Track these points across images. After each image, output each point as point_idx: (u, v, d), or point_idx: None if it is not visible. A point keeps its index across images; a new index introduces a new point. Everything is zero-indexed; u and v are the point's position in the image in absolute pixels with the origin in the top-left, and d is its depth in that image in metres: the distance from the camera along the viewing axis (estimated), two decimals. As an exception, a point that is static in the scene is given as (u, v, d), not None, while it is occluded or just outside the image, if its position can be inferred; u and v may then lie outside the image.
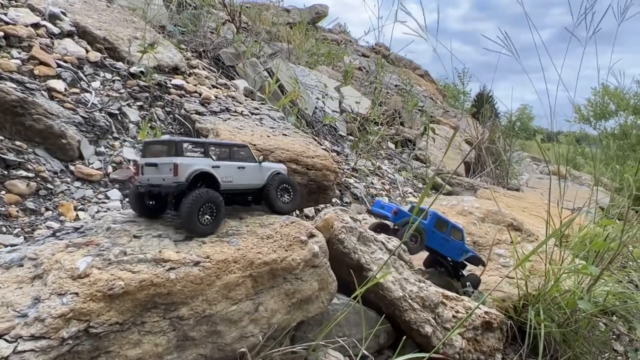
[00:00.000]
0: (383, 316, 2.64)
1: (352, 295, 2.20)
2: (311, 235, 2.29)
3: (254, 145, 3.80)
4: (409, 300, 2.66)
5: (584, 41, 3.33)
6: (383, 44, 18.38)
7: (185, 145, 2.20)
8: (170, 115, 4.49)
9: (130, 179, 3.61)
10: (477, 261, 3.64)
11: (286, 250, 2.10)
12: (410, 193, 6.79)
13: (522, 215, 5.56)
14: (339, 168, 5.99)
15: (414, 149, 8.81)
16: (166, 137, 4.00)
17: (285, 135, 4.47)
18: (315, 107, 7.95)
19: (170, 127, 4.39)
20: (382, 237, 2.89)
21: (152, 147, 2.34)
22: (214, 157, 2.27)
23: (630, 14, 3.03)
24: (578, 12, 3.35)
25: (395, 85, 12.69)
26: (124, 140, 3.99)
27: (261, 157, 2.58)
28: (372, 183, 6.42)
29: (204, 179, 2.18)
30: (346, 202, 5.65)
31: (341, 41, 16.82)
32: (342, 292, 2.70)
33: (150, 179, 2.19)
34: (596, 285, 3.25)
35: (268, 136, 4.14)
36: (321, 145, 6.96)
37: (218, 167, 2.24)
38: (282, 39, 10.46)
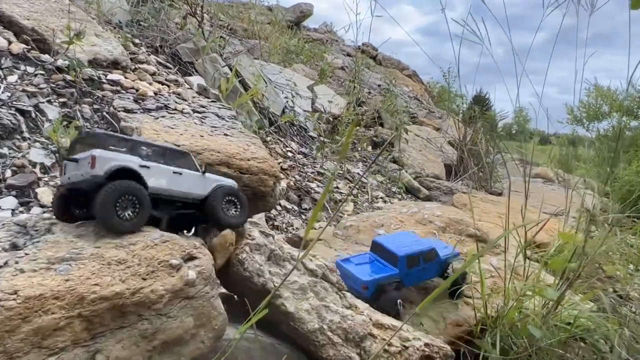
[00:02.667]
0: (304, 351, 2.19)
1: (239, 330, 1.73)
2: (190, 258, 1.83)
3: (178, 146, 3.34)
4: (328, 333, 2.20)
5: (581, 43, 2.97)
6: (370, 43, 17.95)
7: (108, 139, 2.01)
8: (98, 113, 4.03)
9: (30, 185, 3.15)
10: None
11: (143, 279, 1.64)
12: (380, 198, 6.33)
13: (497, 222, 5.11)
14: (283, 171, 5.53)
15: (390, 152, 8.35)
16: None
17: (227, 135, 4.01)
18: (285, 107, 7.50)
19: (96, 125, 3.93)
20: (302, 254, 2.43)
21: (78, 146, 2.13)
22: (143, 158, 2.08)
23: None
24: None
25: (379, 85, 12.24)
26: (35, 141, 3.52)
27: (204, 167, 2.36)
28: (338, 187, 5.96)
29: (127, 177, 1.92)
30: (305, 209, 5.19)
31: (326, 40, 16.40)
32: (256, 324, 2.24)
33: (70, 177, 2.00)
34: (565, 307, 2.80)
35: (201, 136, 3.68)
36: (287, 147, 6.51)
37: (147, 167, 2.04)
38: (259, 37, 10.03)
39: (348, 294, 2.64)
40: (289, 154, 6.32)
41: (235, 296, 2.65)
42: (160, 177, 2.07)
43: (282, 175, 5.15)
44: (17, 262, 1.55)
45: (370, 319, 2.44)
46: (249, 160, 3.53)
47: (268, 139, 6.32)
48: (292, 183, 5.48)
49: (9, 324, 1.34)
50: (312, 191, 5.42)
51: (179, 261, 1.77)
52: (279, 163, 5.73)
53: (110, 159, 1.92)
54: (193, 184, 2.21)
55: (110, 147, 1.98)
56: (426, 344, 2.42)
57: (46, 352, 1.41)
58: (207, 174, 2.35)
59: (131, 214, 1.87)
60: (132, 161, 1.99)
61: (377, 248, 3.20)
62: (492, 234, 3.97)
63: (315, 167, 6.24)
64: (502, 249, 3.81)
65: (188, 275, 1.75)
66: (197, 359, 1.84)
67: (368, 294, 2.83)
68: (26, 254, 1.61)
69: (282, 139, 6.62)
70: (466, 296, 3.17)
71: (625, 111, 19.27)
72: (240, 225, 2.27)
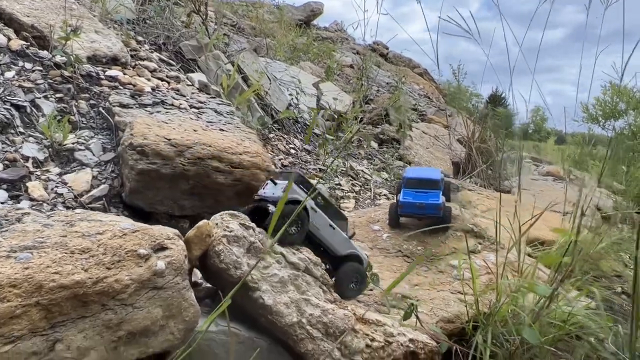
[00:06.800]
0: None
1: (208, 319, 1.70)
2: (160, 249, 1.80)
3: (169, 139, 3.32)
4: (307, 327, 2.15)
5: (599, 40, 2.89)
6: (381, 42, 17.88)
7: (299, 179, 2.72)
8: (95, 109, 4.04)
9: (21, 179, 3.16)
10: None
11: (107, 269, 1.61)
12: (384, 195, 6.26)
13: (502, 220, 5.00)
14: (284, 167, 5.50)
15: (398, 149, 8.26)
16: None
17: (222, 130, 3.99)
18: (290, 104, 7.47)
19: (92, 121, 3.94)
20: (286, 248, 2.38)
21: (281, 176, 3.01)
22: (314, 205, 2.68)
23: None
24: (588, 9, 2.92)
25: (387, 83, 12.14)
26: (29, 136, 3.54)
27: (352, 233, 3.01)
28: (340, 184, 5.90)
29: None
30: (304, 205, 5.15)
31: (337, 39, 16.33)
32: (235, 317, 2.21)
33: (266, 193, 2.74)
34: (560, 304, 2.72)
35: (195, 130, 3.65)
36: (290, 144, 6.48)
37: (315, 210, 2.65)
38: (265, 34, 10.03)
39: (333, 289, 2.61)
40: (292, 151, 6.28)
41: (221, 292, 2.63)
42: (319, 223, 2.64)
43: (277, 170, 5.12)
44: (-21, 251, 1.53)
45: (355, 314, 2.39)
46: (240, 154, 3.50)
47: (271, 135, 6.30)
48: (292, 179, 5.44)
49: (-38, 312, 1.33)
50: (317, 186, 5.37)
51: (147, 251, 1.74)
52: (280, 159, 5.70)
53: (296, 191, 2.55)
54: (338, 241, 2.74)
55: (299, 184, 2.64)
56: (411, 340, 2.36)
57: (2, 340, 1.38)
58: (352, 240, 2.89)
59: (295, 229, 2.45)
60: (308, 201, 2.57)
61: (412, 183, 3.74)
62: (490, 231, 3.88)
63: (317, 163, 6.20)
64: (502, 245, 3.73)
65: (157, 266, 1.72)
66: (167, 351, 1.81)
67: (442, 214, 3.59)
68: (-9, 242, 1.60)
69: (285, 136, 6.59)
70: (459, 292, 3.10)
71: (642, 109, 18.86)
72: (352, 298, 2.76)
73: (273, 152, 5.98)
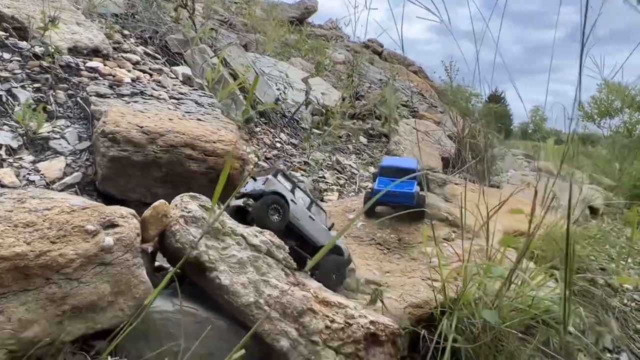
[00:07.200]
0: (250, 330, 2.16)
1: (152, 295, 1.70)
2: (110, 226, 1.81)
3: (141, 127, 3.33)
4: (265, 307, 2.16)
5: (598, 40, 2.88)
6: (376, 40, 17.90)
7: (279, 173, 2.79)
8: (72, 99, 4.05)
9: (-6, 166, 3.17)
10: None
11: (52, 243, 1.62)
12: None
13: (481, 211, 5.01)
14: (267, 160, 5.52)
15: (387, 144, 8.26)
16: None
17: (200, 120, 4.00)
18: (278, 99, 7.47)
19: (69, 111, 3.94)
20: (247, 230, 2.39)
21: (262, 172, 2.97)
22: (294, 197, 2.78)
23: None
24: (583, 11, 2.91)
25: (380, 80, 12.15)
26: (4, 124, 3.54)
27: (331, 225, 3.03)
28: (324, 177, 5.91)
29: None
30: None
31: (331, 37, 16.32)
32: (195, 298, 2.22)
33: (247, 189, 2.77)
34: (526, 289, 2.73)
35: (170, 119, 3.66)
36: (276, 137, 6.49)
37: (295, 203, 2.75)
38: (255, 30, 10.05)
39: (298, 273, 2.62)
40: (278, 145, 6.29)
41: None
42: (299, 214, 2.75)
43: (255, 159, 5.13)
44: None
45: (317, 296, 2.40)
46: (214, 142, 3.51)
47: (257, 129, 6.31)
48: (275, 172, 5.45)
49: None
50: (297, 180, 5.38)
51: (95, 227, 1.74)
52: (264, 152, 5.71)
53: (275, 184, 2.68)
54: (318, 231, 2.86)
55: (279, 178, 2.74)
56: (372, 322, 2.37)
57: (-63, 309, 1.39)
58: (331, 231, 2.97)
59: (277, 218, 2.59)
60: (287, 193, 2.71)
61: (387, 172, 3.77)
62: (467, 221, 3.89)
63: (302, 157, 6.21)
64: (477, 234, 3.74)
65: (104, 242, 1.73)
66: (116, 327, 1.81)
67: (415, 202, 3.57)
68: None
69: (272, 130, 6.60)
70: (429, 278, 3.11)
71: (637, 107, 18.88)
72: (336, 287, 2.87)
73: (258, 145, 5.99)
